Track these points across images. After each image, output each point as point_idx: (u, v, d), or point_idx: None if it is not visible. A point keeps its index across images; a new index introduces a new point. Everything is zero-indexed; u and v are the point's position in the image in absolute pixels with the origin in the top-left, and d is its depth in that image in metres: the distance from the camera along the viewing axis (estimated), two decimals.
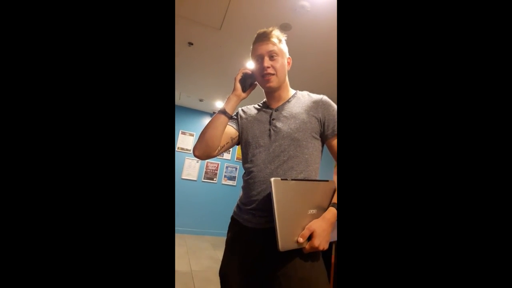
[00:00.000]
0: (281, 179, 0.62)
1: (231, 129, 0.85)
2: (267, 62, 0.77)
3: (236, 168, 4.54)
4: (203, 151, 0.80)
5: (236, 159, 4.56)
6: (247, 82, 0.84)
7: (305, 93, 0.86)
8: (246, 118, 0.87)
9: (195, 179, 4.29)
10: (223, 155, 4.44)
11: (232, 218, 0.82)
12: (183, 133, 4.30)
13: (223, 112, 0.80)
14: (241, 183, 0.82)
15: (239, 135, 0.87)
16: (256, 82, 0.85)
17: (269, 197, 0.66)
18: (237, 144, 0.88)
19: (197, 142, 0.80)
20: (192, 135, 4.34)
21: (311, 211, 0.65)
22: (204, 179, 4.34)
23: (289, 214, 0.61)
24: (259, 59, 0.80)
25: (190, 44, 2.33)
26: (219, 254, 3.27)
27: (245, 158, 0.82)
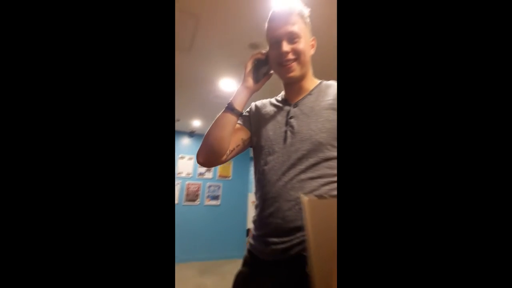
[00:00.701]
0: (318, 197, 0.42)
1: (242, 129, 0.69)
2: (286, 46, 0.60)
3: (219, 187, 4.43)
4: (208, 156, 0.64)
5: (219, 176, 4.46)
6: (261, 71, 0.66)
7: (332, 82, 0.67)
8: (260, 116, 0.69)
9: (175, 202, 4.10)
10: (204, 174, 4.32)
11: (247, 249, 0.65)
12: None
13: (230, 108, 0.63)
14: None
15: (251, 136, 0.70)
16: (272, 71, 0.67)
17: (284, 218, 0.54)
18: (251, 147, 0.73)
19: (200, 146, 0.65)
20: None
21: None
22: (185, 201, 4.17)
23: (330, 252, 0.39)
24: (276, 43, 0.62)
25: None
26: (207, 281, 3.09)
27: (256, 168, 0.65)
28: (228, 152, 0.66)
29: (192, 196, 4.22)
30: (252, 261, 0.61)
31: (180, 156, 4.25)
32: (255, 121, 0.70)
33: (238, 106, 0.64)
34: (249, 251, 0.63)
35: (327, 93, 0.64)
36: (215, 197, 4.36)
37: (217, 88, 2.71)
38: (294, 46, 0.61)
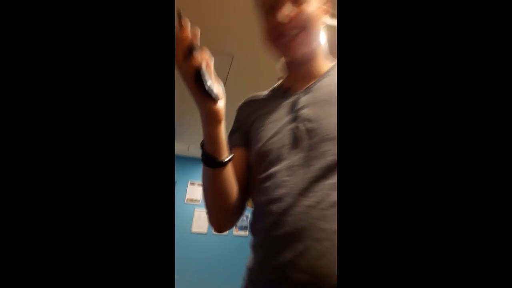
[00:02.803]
0: None
1: (238, 155, 0.47)
2: (288, 9, 0.41)
3: (247, 217, 4.33)
4: (218, 223, 0.49)
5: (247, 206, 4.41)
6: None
7: None
8: (253, 114, 0.49)
9: (205, 231, 4.10)
10: None
11: None
12: (192, 183, 4.28)
13: (206, 160, 0.44)
14: None
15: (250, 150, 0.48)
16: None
17: (315, 271, 0.33)
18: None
19: (207, 216, 0.50)
20: (201, 185, 4.31)
21: None
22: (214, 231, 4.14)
23: None
24: (272, 7, 0.42)
25: None
26: None
27: (254, 185, 0.45)
28: (238, 203, 0.47)
29: None
30: None
31: None
32: (247, 124, 0.49)
33: (210, 151, 0.43)
34: None
35: None
36: (244, 228, 4.26)
37: None
38: (300, 9, 0.41)
